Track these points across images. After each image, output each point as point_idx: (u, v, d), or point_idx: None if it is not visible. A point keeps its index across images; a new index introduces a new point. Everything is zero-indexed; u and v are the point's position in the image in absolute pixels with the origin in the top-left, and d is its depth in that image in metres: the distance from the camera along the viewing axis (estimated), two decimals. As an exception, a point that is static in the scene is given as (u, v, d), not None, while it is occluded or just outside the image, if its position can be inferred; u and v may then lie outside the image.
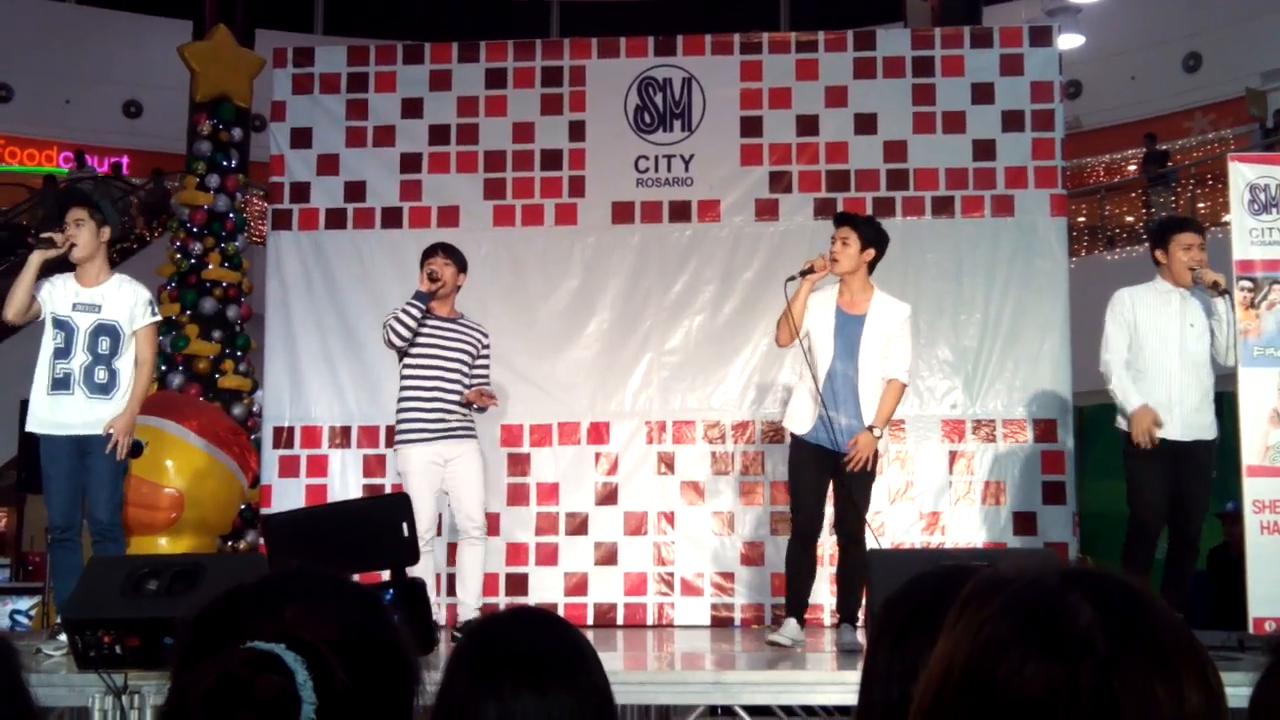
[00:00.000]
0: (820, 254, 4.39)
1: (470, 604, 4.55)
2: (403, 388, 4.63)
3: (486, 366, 4.73)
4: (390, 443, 6.10)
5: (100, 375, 4.21)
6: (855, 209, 6.12)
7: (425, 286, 4.57)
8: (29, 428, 4.24)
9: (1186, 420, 4.34)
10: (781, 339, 4.37)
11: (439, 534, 5.00)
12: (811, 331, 4.31)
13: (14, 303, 4.18)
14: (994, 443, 5.97)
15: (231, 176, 8.49)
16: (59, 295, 4.24)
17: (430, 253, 4.71)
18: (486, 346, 4.72)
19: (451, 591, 4.89)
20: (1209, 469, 4.46)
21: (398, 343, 4.59)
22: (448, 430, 4.56)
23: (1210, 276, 4.29)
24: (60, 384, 4.19)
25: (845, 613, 4.32)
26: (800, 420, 4.31)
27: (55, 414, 4.19)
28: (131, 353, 4.28)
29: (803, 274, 4.32)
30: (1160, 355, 4.36)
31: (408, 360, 4.62)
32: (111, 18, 15.98)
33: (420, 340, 4.59)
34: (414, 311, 4.55)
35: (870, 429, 4.25)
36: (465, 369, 4.63)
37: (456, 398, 4.59)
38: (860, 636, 4.25)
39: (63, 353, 4.20)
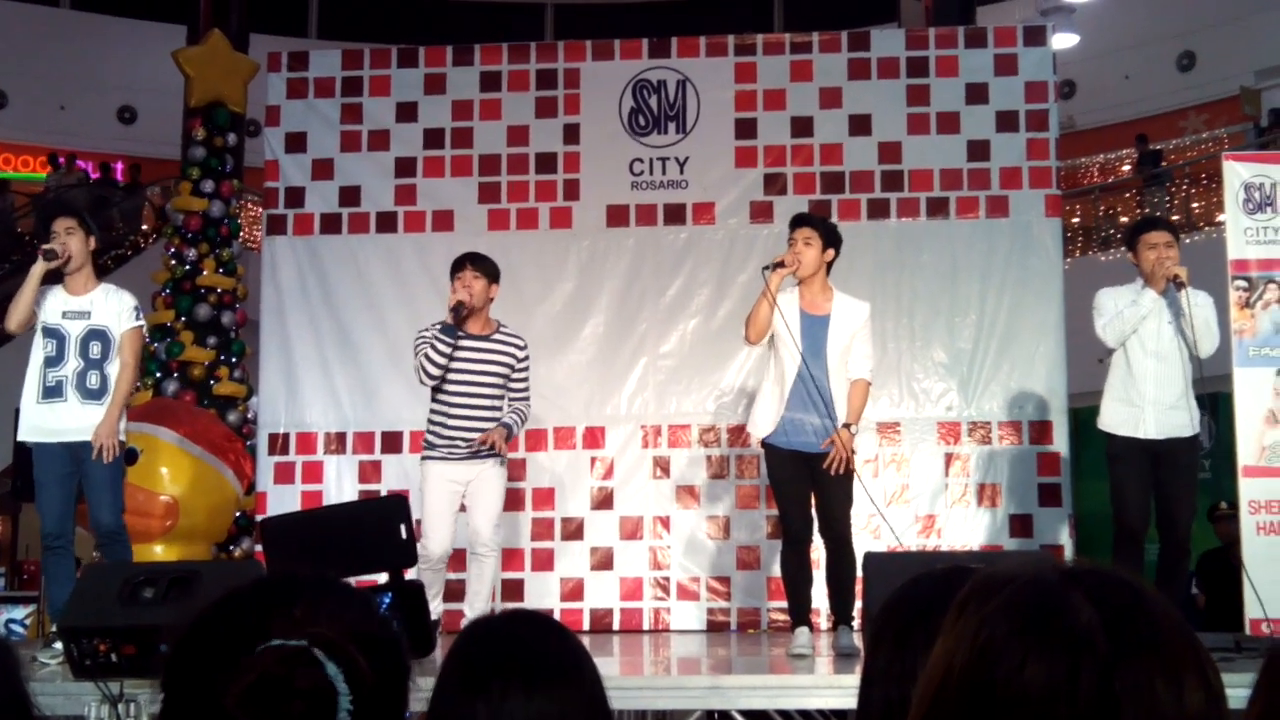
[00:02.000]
0: (791, 251, 4.31)
1: (473, 616, 4.51)
2: (434, 405, 4.54)
3: (525, 380, 4.58)
4: (386, 448, 6.12)
5: (93, 380, 4.26)
6: (850, 210, 6.14)
7: (451, 319, 4.41)
8: (21, 437, 4.27)
9: (1161, 419, 4.32)
10: (752, 335, 4.30)
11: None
12: (776, 334, 4.28)
13: (16, 313, 4.27)
14: (989, 445, 5.97)
15: (226, 182, 8.48)
16: (49, 305, 4.31)
17: (458, 267, 4.53)
18: (525, 359, 4.57)
19: (455, 600, 4.87)
20: (1192, 467, 4.44)
21: (429, 381, 4.48)
22: (472, 454, 4.46)
23: (1172, 270, 4.25)
24: (52, 391, 4.23)
25: (841, 615, 4.31)
26: (764, 423, 4.28)
27: (48, 421, 4.22)
28: (119, 359, 4.32)
29: (775, 266, 4.26)
30: (1137, 353, 4.36)
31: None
32: (105, 23, 15.96)
33: (453, 361, 4.46)
34: (444, 349, 4.41)
35: (846, 426, 4.23)
36: (500, 388, 4.52)
37: (490, 417, 4.46)
38: (857, 639, 4.25)
39: (54, 360, 4.25)
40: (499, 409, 4.53)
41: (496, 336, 4.57)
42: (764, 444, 4.34)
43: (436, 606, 4.47)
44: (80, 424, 4.20)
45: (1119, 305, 4.36)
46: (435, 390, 4.53)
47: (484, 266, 4.55)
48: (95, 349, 4.27)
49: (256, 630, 0.88)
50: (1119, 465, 4.37)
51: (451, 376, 4.48)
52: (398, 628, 1.00)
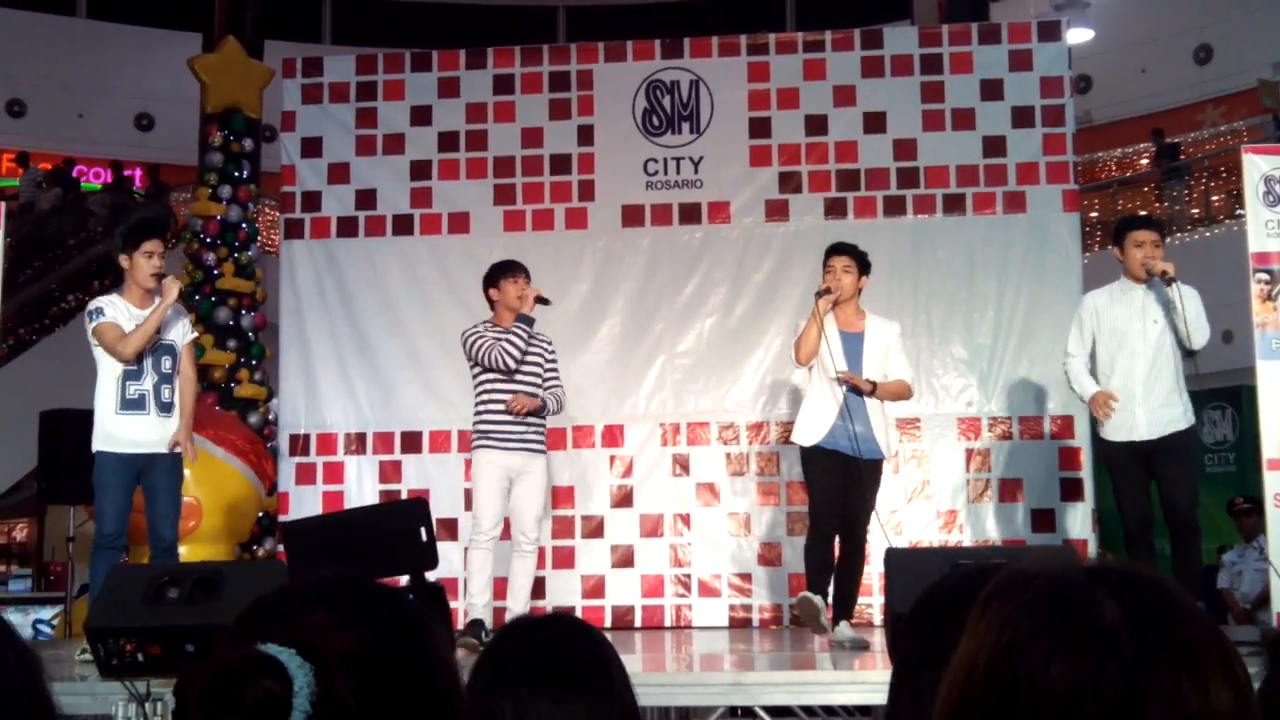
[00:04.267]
0: (832, 275, 4.50)
1: (517, 610, 4.63)
2: (485, 396, 4.68)
3: (557, 374, 4.79)
4: (405, 448, 6.16)
5: (166, 394, 4.38)
6: (866, 208, 6.14)
7: (529, 308, 4.63)
8: (98, 446, 4.31)
9: (1153, 416, 4.35)
10: (802, 357, 4.50)
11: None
12: (820, 349, 4.48)
13: (137, 345, 4.29)
14: (1010, 440, 5.95)
15: (243, 187, 8.53)
16: (122, 318, 4.36)
17: (515, 271, 4.72)
18: (553, 353, 4.81)
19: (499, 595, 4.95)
20: (1187, 453, 4.45)
21: (512, 364, 4.64)
22: (524, 443, 4.64)
23: (1159, 266, 4.32)
24: (134, 404, 4.32)
25: (845, 611, 4.48)
26: (815, 431, 4.47)
27: (127, 432, 4.30)
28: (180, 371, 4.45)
29: (823, 293, 4.47)
30: (1122, 352, 4.41)
31: (490, 371, 4.67)
32: (122, 31, 16.06)
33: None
34: (525, 334, 4.65)
35: (870, 381, 4.46)
36: (540, 380, 4.72)
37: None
38: (863, 634, 4.41)
39: (135, 374, 4.33)
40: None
41: (532, 333, 4.80)
42: (808, 447, 4.49)
43: (484, 600, 4.54)
44: (156, 436, 4.33)
45: (1082, 346, 4.48)
46: (486, 384, 4.68)
47: (528, 273, 4.82)
48: (166, 363, 4.39)
49: (271, 631, 0.87)
50: (1115, 469, 4.48)
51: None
52: (441, 650, 0.95)
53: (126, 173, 14.85)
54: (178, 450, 4.35)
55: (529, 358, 4.69)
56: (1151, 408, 4.35)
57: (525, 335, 4.65)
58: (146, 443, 4.32)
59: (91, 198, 13.55)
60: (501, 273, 4.74)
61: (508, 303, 4.67)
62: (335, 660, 0.84)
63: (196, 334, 4.56)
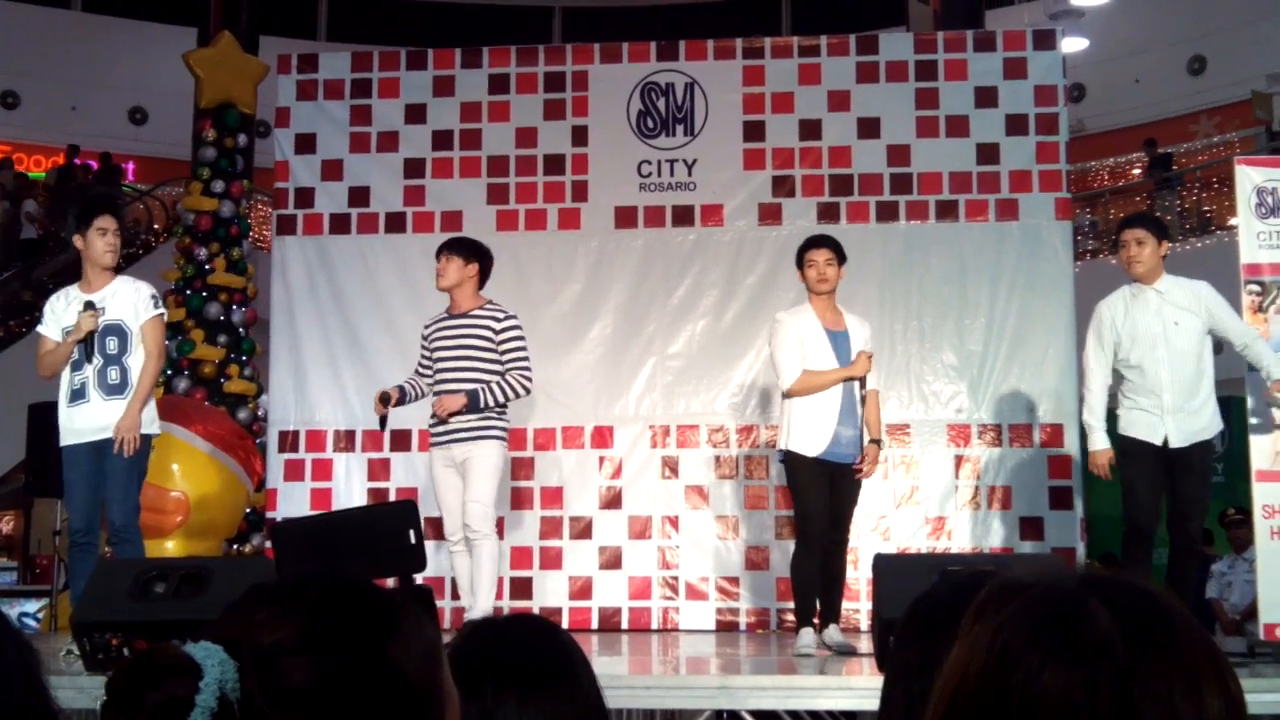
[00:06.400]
0: (865, 358, 4.37)
1: (478, 605, 4.38)
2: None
3: (514, 349, 4.46)
4: (394, 446, 6.14)
5: (113, 375, 4.23)
6: (859, 213, 6.15)
7: (379, 411, 4.55)
8: (62, 441, 4.28)
9: (1181, 425, 4.21)
10: (801, 395, 4.36)
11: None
12: (809, 352, 4.38)
13: (51, 367, 4.27)
14: (1000, 447, 5.96)
15: (236, 182, 8.51)
16: (70, 307, 4.29)
17: (436, 256, 4.70)
18: (505, 328, 4.46)
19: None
20: (1207, 469, 4.36)
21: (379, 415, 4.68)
22: (454, 433, 4.49)
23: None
24: (77, 394, 4.25)
25: (833, 615, 4.43)
26: (816, 441, 4.33)
27: (75, 423, 4.25)
28: (141, 351, 4.29)
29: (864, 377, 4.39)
30: (1148, 359, 4.24)
31: None
32: (117, 25, 16.03)
33: (438, 344, 4.58)
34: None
35: (876, 442, 4.43)
36: (480, 362, 4.45)
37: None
38: (850, 639, 4.41)
39: (78, 364, 4.25)
40: (477, 387, 4.43)
41: (476, 312, 4.54)
42: (794, 454, 4.37)
43: (468, 601, 4.50)
44: (103, 422, 4.20)
45: (1103, 364, 4.31)
46: None
47: (458, 248, 4.59)
48: (112, 344, 4.24)
49: (215, 631, 0.86)
50: (1130, 462, 4.27)
51: (438, 360, 4.57)
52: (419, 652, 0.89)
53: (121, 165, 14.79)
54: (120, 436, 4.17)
55: (457, 346, 4.46)
56: (1180, 418, 4.19)
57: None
58: (92, 430, 4.21)
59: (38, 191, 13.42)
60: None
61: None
62: (250, 655, 0.82)
63: (163, 310, 4.36)
